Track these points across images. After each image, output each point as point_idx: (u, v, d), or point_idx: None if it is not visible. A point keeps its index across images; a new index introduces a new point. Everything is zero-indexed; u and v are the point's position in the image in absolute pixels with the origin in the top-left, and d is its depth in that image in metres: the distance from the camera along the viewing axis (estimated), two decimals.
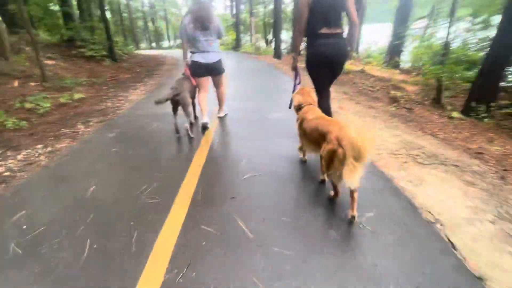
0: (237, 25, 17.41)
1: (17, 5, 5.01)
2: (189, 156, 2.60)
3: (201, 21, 2.96)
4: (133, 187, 2.12)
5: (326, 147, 1.68)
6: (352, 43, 2.38)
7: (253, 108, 4.08)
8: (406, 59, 10.59)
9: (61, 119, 3.77)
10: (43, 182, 2.28)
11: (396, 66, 9.71)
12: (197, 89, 3.35)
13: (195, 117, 3.62)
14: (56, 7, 9.60)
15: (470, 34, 8.31)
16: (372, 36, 14.52)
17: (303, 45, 2.70)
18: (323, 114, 2.09)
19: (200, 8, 2.97)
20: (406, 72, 9.92)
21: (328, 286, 1.26)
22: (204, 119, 3.17)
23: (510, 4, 4.26)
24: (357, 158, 1.47)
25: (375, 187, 1.99)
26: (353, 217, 1.62)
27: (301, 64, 2.64)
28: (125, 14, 22.81)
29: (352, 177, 1.48)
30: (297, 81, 2.70)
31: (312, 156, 2.46)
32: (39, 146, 2.94)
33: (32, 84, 4.92)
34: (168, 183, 2.16)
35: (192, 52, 3.19)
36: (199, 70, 3.19)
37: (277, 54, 11.58)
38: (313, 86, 2.57)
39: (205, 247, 1.51)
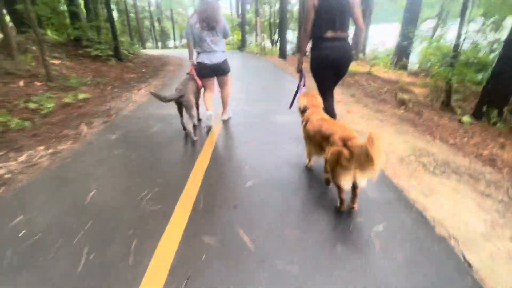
0: (242, 25, 17.33)
1: (24, 5, 5.01)
2: (192, 160, 2.54)
3: (208, 21, 2.95)
4: (134, 192, 2.07)
5: (330, 149, 1.67)
6: (357, 47, 2.43)
7: (258, 111, 4.01)
8: (414, 60, 10.40)
9: (64, 119, 3.75)
10: (43, 185, 2.24)
11: (404, 67, 9.54)
12: (202, 89, 3.33)
13: (199, 119, 3.57)
14: (63, 7, 9.66)
15: (480, 36, 8.10)
16: (379, 37, 14.30)
17: (308, 47, 2.67)
18: (327, 117, 2.09)
19: (207, 8, 2.95)
20: (414, 74, 9.74)
21: None
22: (208, 112, 3.21)
23: None
24: (364, 163, 1.43)
25: (384, 197, 1.90)
26: (353, 208, 1.76)
27: (306, 64, 2.59)
28: (131, 14, 22.93)
29: (360, 177, 1.54)
30: (302, 83, 2.64)
31: (317, 163, 2.38)
32: (41, 147, 2.91)
33: (37, 83, 4.92)
34: (170, 188, 2.10)
35: (198, 53, 3.17)
36: (205, 71, 3.18)
37: (283, 54, 11.48)
38: (316, 89, 2.57)
39: (205, 259, 1.44)
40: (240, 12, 19.08)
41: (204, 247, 1.53)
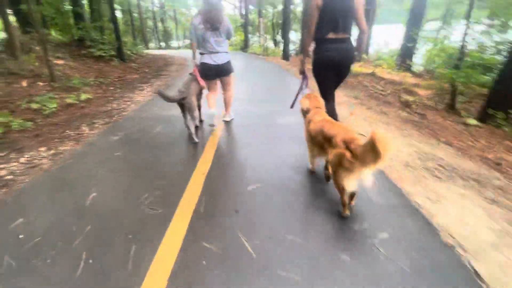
0: (245, 26, 17.33)
1: (27, 5, 5.03)
2: (193, 162, 2.51)
3: (212, 22, 2.95)
4: (134, 195, 2.05)
5: (333, 151, 1.67)
6: (360, 49, 2.42)
7: (260, 112, 3.98)
8: (418, 62, 10.30)
9: (66, 120, 3.74)
10: (44, 187, 2.23)
11: (408, 69, 9.45)
12: (205, 89, 3.34)
13: (201, 121, 3.55)
14: (67, 7, 9.71)
15: (486, 37, 7.99)
16: (383, 38, 14.20)
17: (311, 48, 2.65)
18: (329, 118, 2.07)
19: (211, 9, 2.94)
20: (418, 75, 9.65)
21: None
22: (211, 110, 3.27)
23: None
24: (369, 161, 1.41)
25: (389, 203, 1.86)
26: (347, 216, 1.73)
27: (309, 65, 2.57)
28: (135, 14, 23.03)
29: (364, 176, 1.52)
30: (304, 85, 2.62)
31: (320, 167, 2.35)
32: (43, 148, 2.91)
33: (41, 84, 4.93)
34: (170, 191, 2.08)
35: (201, 54, 3.17)
36: (208, 72, 3.18)
37: (285, 55, 11.44)
38: (318, 90, 2.57)
39: (206, 266, 1.41)
40: (243, 12, 19.08)
41: (205, 253, 1.50)
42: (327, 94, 2.52)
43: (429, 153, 2.73)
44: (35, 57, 5.83)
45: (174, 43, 31.78)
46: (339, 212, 1.76)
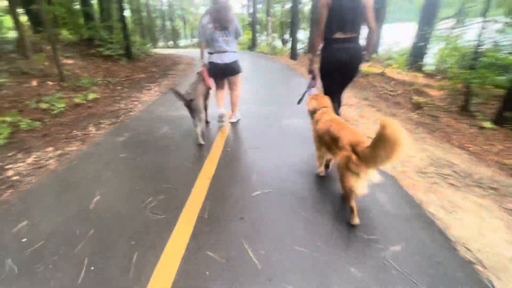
0: (253, 25, 17.23)
1: (37, 5, 5.08)
2: (198, 166, 2.47)
3: (220, 21, 2.94)
4: (138, 199, 2.02)
5: (339, 154, 1.68)
6: (369, 49, 2.42)
7: (267, 113, 3.91)
8: (430, 61, 10.02)
9: (74, 120, 3.76)
10: (49, 189, 2.22)
11: (419, 69, 9.21)
12: (212, 89, 3.35)
13: (207, 122, 3.51)
14: (77, 7, 9.84)
15: (502, 36, 7.69)
16: (393, 36, 13.88)
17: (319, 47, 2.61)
18: (337, 117, 2.05)
19: (220, 8, 2.93)
20: (430, 75, 9.39)
21: None
22: (220, 110, 3.29)
23: None
24: (383, 154, 1.36)
25: (402, 213, 1.77)
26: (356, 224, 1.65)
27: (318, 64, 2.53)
28: (144, 13, 23.22)
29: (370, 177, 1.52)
30: (313, 84, 2.57)
31: (330, 172, 2.27)
32: (50, 149, 2.92)
33: (50, 83, 4.99)
34: (174, 196, 2.04)
35: (210, 53, 3.16)
36: (216, 72, 3.19)
37: (293, 54, 11.30)
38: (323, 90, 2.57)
39: (209, 277, 1.36)
40: (251, 11, 18.99)
41: (208, 262, 1.45)
42: (332, 96, 2.49)
43: (442, 158, 2.62)
44: (45, 56, 5.91)
45: (182, 42, 31.94)
46: (351, 222, 1.68)
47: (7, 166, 2.57)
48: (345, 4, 2.16)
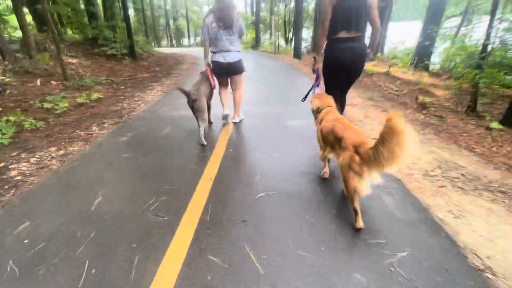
0: (257, 24, 17.18)
1: (41, 5, 5.11)
2: (201, 166, 2.45)
3: (224, 20, 2.94)
4: (140, 200, 2.00)
5: (342, 154, 1.67)
6: (373, 48, 2.40)
7: (270, 113, 3.88)
8: (436, 61, 9.88)
9: (77, 119, 3.77)
10: (52, 190, 2.22)
11: (425, 68, 9.08)
12: (216, 87, 3.37)
13: (210, 122, 3.48)
14: (82, 6, 9.89)
15: (509, 34, 7.54)
16: (398, 35, 13.72)
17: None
18: (341, 117, 2.05)
19: (223, 7, 2.94)
20: (436, 75, 9.26)
21: None
22: (225, 111, 3.40)
23: None
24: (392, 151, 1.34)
25: (408, 217, 1.73)
26: (360, 229, 1.61)
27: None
28: (147, 12, 23.28)
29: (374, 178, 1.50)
30: (317, 83, 2.55)
31: (334, 173, 2.23)
32: (53, 148, 2.92)
33: (54, 83, 5.01)
34: (177, 197, 2.02)
35: (213, 52, 3.16)
36: (219, 70, 3.20)
37: (297, 54, 11.24)
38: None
39: (211, 282, 1.34)
40: (254, 10, 18.91)
41: (210, 266, 1.43)
42: (336, 96, 2.49)
43: (449, 160, 2.56)
44: (49, 56, 5.94)
45: (185, 41, 31.99)
46: (356, 229, 1.63)
47: (10, 166, 2.57)
48: (350, 3, 2.16)
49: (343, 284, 1.29)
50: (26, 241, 1.66)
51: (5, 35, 6.87)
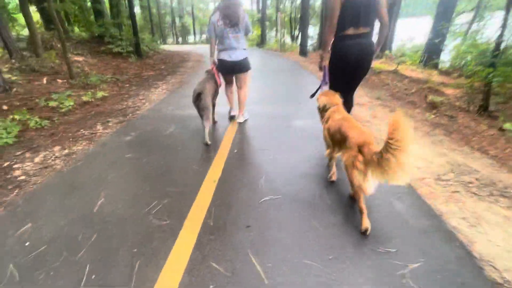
0: (262, 21, 17.03)
1: (47, 3, 5.11)
2: (204, 168, 2.40)
3: (230, 18, 2.92)
4: (143, 202, 1.96)
5: (347, 153, 1.68)
6: (380, 43, 2.36)
7: (276, 113, 3.80)
8: (446, 58, 9.62)
9: (81, 118, 3.76)
10: (55, 190, 2.20)
11: (435, 66, 8.85)
12: (222, 85, 3.37)
13: (214, 122, 3.44)
14: (89, 4, 9.93)
15: None
16: (407, 32, 13.41)
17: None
18: (348, 115, 2.03)
19: (229, 5, 2.92)
20: (445, 73, 9.03)
21: None
22: (232, 112, 3.52)
23: None
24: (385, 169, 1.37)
25: (420, 225, 1.65)
26: (366, 229, 1.58)
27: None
28: (153, 10, 23.31)
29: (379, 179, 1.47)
30: (325, 81, 2.49)
31: (342, 176, 2.16)
32: (57, 148, 2.91)
33: (59, 81, 5.02)
34: (179, 200, 1.98)
35: (219, 50, 3.14)
36: (225, 69, 3.19)
37: (303, 51, 11.10)
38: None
39: None
40: (260, 7, 18.75)
41: (212, 274, 1.38)
42: (342, 94, 2.42)
43: (462, 163, 2.46)
44: (55, 54, 5.96)
45: (191, 39, 31.99)
46: (363, 229, 1.58)
47: (15, 166, 2.57)
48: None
49: None
50: (27, 243, 1.64)
51: (14, 33, 6.94)
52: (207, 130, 2.82)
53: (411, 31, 13.26)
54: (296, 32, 18.15)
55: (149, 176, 2.34)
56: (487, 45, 6.89)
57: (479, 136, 3.87)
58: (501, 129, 4.27)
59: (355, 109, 3.73)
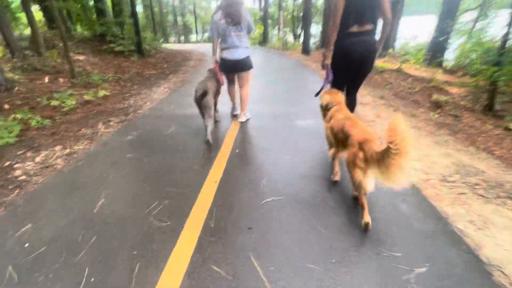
0: (265, 19, 16.94)
1: (49, 1, 5.10)
2: (206, 168, 2.37)
3: (232, 16, 2.91)
4: (143, 203, 1.94)
5: (349, 150, 1.70)
6: (382, 41, 2.34)
7: (279, 113, 3.77)
8: (450, 57, 9.51)
9: (83, 117, 3.75)
10: (55, 190, 2.19)
11: (439, 64, 8.75)
12: (224, 83, 3.37)
13: (216, 121, 3.40)
14: (91, 3, 9.92)
15: None
16: (410, 30, 13.28)
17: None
18: (351, 114, 2.03)
19: (231, 3, 2.91)
20: (450, 71, 8.92)
21: None
22: (235, 111, 3.56)
23: None
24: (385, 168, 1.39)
25: (426, 227, 1.61)
26: (367, 224, 1.58)
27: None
28: (155, 9, 23.29)
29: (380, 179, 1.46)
30: (329, 79, 2.46)
31: (346, 177, 2.12)
32: (58, 147, 2.90)
33: (61, 80, 5.02)
34: (180, 201, 1.95)
35: (222, 49, 3.14)
36: (227, 67, 3.19)
37: (306, 50, 11.01)
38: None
39: None
40: (262, 5, 18.65)
41: (213, 277, 1.35)
42: (345, 94, 2.45)
43: (468, 165, 2.41)
44: (57, 53, 5.96)
45: (193, 37, 31.95)
46: (364, 224, 1.59)
47: (16, 165, 2.56)
48: None
49: None
50: (26, 244, 1.62)
51: (17, 32, 6.95)
52: (209, 129, 2.79)
53: (414, 29, 13.12)
54: (299, 31, 18.05)
55: (150, 176, 2.32)
56: (492, 43, 6.80)
57: (484, 136, 3.81)
58: (507, 129, 4.20)
59: (359, 108, 3.69)
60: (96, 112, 3.98)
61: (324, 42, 10.94)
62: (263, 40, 16.70)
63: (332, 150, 2.09)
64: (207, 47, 13.20)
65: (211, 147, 2.77)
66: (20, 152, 2.78)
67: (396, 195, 1.90)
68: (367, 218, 1.57)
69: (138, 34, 8.82)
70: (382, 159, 1.38)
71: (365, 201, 1.61)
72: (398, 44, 12.65)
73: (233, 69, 3.20)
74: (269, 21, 18.39)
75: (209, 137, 2.78)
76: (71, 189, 2.18)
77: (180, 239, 1.60)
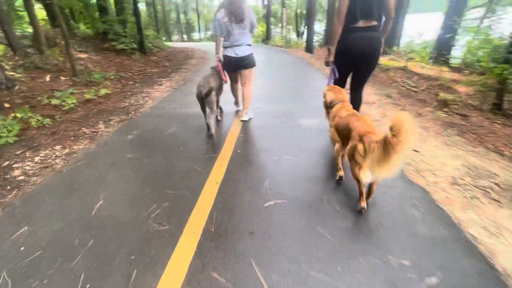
0: (268, 17, 16.80)
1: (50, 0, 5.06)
2: (207, 169, 2.31)
3: (235, 14, 2.89)
4: (142, 205, 1.89)
5: (350, 144, 1.71)
6: (384, 36, 2.28)
7: (282, 111, 3.69)
8: (457, 54, 9.33)
9: (84, 116, 3.71)
10: (54, 191, 2.14)
11: (445, 62, 8.58)
12: (227, 80, 3.37)
13: (218, 120, 3.34)
14: (93, 1, 9.88)
15: None
16: (416, 28, 13.06)
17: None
18: (355, 111, 2.02)
19: (234, 1, 2.89)
20: (457, 69, 8.75)
21: None
22: (238, 107, 3.62)
23: None
24: (381, 158, 1.40)
25: (436, 233, 1.53)
26: (363, 208, 1.68)
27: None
28: (158, 7, 23.22)
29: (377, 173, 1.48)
30: (335, 76, 2.42)
31: (349, 177, 2.05)
32: (58, 147, 2.86)
33: (63, 78, 4.98)
34: (180, 203, 1.90)
35: (225, 47, 3.12)
36: (230, 65, 3.18)
37: (309, 47, 10.89)
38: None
39: None
40: (265, 3, 18.50)
41: (213, 285, 1.29)
42: (350, 92, 2.43)
43: (479, 166, 2.32)
44: (59, 51, 5.92)
45: (196, 35, 31.87)
46: (359, 208, 1.69)
47: (14, 165, 2.52)
48: None
49: None
50: (22, 248, 1.58)
51: (20, 31, 6.92)
52: (213, 122, 2.83)
53: (419, 27, 12.90)
54: (302, 28, 17.89)
55: (149, 177, 2.26)
56: (500, 41, 6.63)
57: (493, 136, 3.70)
58: None
59: (364, 107, 3.60)
60: (97, 111, 3.93)
61: (328, 38, 10.80)
62: (266, 37, 16.58)
63: (338, 146, 2.05)
64: (209, 45, 13.14)
65: (212, 147, 2.72)
66: (19, 151, 2.74)
67: (404, 199, 1.82)
68: (363, 203, 1.67)
69: (140, 32, 8.76)
70: (381, 147, 1.40)
71: (364, 190, 1.67)
72: (403, 41, 12.45)
73: (236, 66, 3.18)
74: (272, 19, 18.26)
75: (213, 130, 2.84)
76: (70, 190, 2.13)
77: (179, 244, 1.55)
